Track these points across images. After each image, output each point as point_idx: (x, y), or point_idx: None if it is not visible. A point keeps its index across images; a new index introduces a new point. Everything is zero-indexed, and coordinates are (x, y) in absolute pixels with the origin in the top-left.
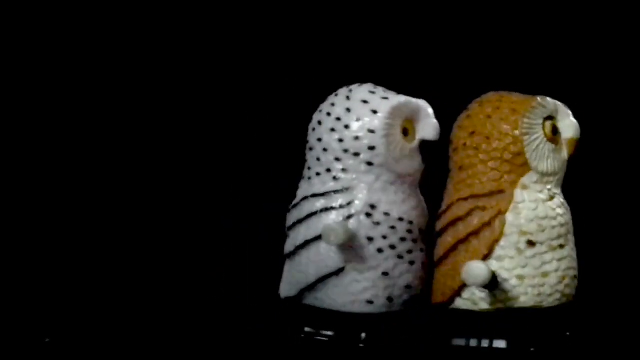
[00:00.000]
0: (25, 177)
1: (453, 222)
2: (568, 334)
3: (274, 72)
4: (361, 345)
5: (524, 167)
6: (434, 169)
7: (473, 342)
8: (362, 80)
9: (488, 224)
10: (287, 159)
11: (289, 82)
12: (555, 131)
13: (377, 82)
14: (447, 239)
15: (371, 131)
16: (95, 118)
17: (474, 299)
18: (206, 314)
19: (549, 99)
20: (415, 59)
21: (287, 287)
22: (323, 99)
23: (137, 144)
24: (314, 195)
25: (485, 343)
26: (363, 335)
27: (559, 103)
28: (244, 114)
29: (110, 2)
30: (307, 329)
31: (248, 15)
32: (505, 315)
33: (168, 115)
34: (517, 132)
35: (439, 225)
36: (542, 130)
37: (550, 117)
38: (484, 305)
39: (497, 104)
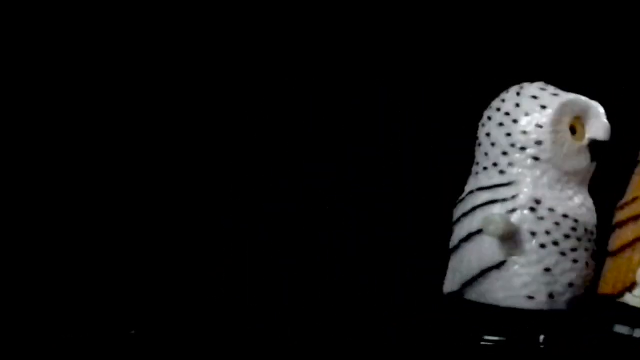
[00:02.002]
0: (25, 177)
1: (635, 218)
2: None
3: (276, 72)
4: (542, 346)
5: None
6: (607, 169)
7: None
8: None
9: None
10: (287, 159)
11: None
12: None
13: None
14: (627, 233)
15: (539, 126)
16: (94, 118)
17: None
18: (209, 314)
19: None
20: (592, 59)
21: (450, 282)
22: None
23: (138, 144)
24: (480, 189)
25: None
26: (542, 337)
27: None
28: (244, 115)
29: (110, 2)
30: (476, 331)
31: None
32: None
33: (168, 115)
34: None
35: (619, 216)
36: None
37: None
38: None
39: None
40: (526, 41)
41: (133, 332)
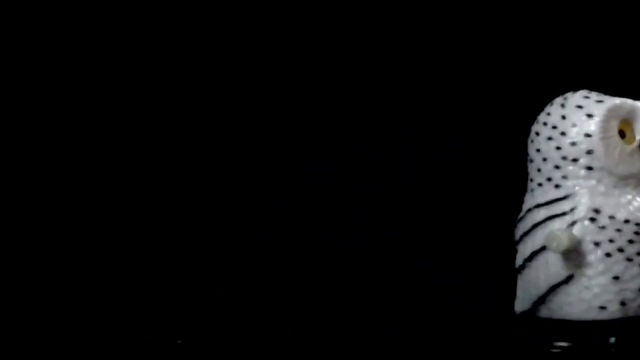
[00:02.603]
0: (25, 177)
1: None
2: None
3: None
4: (612, 350)
5: None
6: None
7: None
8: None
9: None
10: (287, 159)
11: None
12: None
13: (591, 88)
14: None
15: (588, 135)
16: (94, 118)
17: None
18: (207, 314)
19: None
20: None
21: (521, 302)
22: None
23: (138, 144)
24: (537, 206)
25: None
26: (612, 339)
27: None
28: (244, 115)
29: (110, 2)
30: (554, 344)
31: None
32: None
33: (168, 115)
34: None
35: None
36: None
37: None
38: None
39: None
40: (524, 41)
41: (179, 341)
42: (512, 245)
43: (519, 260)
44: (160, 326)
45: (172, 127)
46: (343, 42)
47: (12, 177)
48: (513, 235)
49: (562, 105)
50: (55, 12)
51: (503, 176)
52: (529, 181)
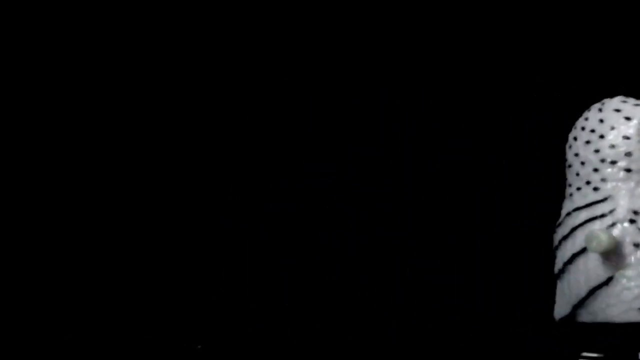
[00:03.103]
0: (25, 177)
1: None
2: None
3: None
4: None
5: None
6: None
7: None
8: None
9: None
10: (287, 159)
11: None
12: None
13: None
14: None
15: (626, 137)
16: (94, 118)
17: None
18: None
19: None
20: None
21: (560, 307)
22: None
23: (137, 144)
24: (576, 209)
25: None
26: None
27: None
28: (244, 114)
29: (110, 2)
30: (586, 354)
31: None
32: None
33: (168, 115)
34: None
35: None
36: None
37: None
38: None
39: None
40: (524, 41)
41: (199, 346)
42: (550, 251)
43: (558, 265)
44: (159, 326)
45: (172, 127)
46: (343, 42)
47: (12, 177)
48: (551, 240)
49: (600, 110)
50: (55, 12)
51: (503, 176)
52: (567, 187)
